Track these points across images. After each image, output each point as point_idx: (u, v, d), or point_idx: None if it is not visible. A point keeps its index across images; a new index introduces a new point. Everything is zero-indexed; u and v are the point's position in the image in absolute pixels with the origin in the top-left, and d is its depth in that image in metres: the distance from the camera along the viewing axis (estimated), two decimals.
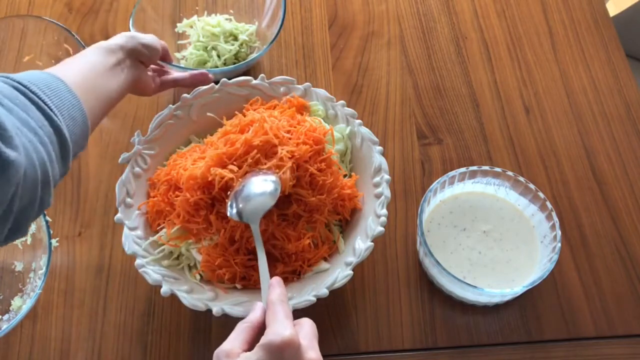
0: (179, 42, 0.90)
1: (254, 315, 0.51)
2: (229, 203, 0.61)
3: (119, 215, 0.65)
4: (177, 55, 0.88)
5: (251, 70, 0.87)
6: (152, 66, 0.75)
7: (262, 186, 0.60)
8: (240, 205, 0.60)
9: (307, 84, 0.73)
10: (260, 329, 0.50)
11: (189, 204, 0.63)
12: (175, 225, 0.65)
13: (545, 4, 0.94)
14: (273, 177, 0.61)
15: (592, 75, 0.86)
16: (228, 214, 0.61)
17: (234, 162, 0.63)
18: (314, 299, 0.61)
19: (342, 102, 0.73)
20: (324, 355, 0.67)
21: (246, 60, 0.80)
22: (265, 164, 0.63)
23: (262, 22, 0.89)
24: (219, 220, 0.63)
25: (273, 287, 0.52)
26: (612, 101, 0.84)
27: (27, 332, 0.70)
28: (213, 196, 0.63)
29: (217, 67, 0.85)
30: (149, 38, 0.70)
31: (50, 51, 0.82)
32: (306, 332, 0.49)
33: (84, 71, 0.60)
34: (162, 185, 0.68)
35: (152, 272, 0.62)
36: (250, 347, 0.48)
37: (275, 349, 0.45)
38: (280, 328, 0.47)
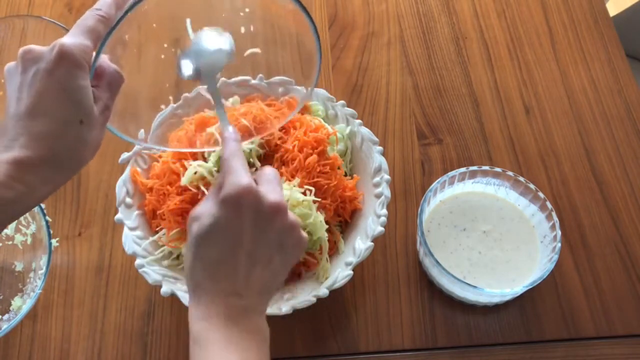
0: None
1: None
2: (178, 63, 0.54)
3: (119, 215, 0.65)
4: None
5: None
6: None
7: (216, 42, 0.54)
8: (194, 62, 0.54)
9: None
10: None
11: (171, 212, 0.63)
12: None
13: (545, 4, 0.94)
14: (227, 34, 0.55)
15: (592, 75, 0.86)
16: (181, 76, 0.55)
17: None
18: (314, 299, 0.61)
19: (342, 102, 0.73)
20: (324, 356, 0.68)
21: None
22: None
23: None
24: None
25: (226, 141, 0.49)
26: (612, 101, 0.84)
27: (27, 332, 0.70)
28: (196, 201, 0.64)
29: None
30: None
31: None
32: (266, 177, 0.48)
33: None
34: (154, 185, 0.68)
35: (152, 272, 0.62)
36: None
37: (233, 199, 0.44)
38: (235, 179, 0.45)
